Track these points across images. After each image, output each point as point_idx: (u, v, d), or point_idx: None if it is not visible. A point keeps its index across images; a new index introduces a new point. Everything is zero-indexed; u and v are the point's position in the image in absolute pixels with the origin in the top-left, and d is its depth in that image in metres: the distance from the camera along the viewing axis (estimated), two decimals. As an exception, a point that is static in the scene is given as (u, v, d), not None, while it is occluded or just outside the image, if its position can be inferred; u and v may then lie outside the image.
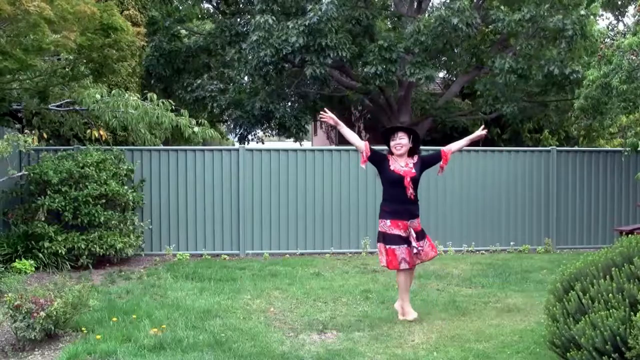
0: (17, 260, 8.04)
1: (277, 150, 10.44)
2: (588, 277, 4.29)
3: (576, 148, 12.05)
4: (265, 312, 6.21)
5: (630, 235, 4.61)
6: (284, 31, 12.71)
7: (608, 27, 16.68)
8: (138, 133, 10.19)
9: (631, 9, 15.68)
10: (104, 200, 8.78)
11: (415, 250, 5.77)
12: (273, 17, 12.90)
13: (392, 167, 5.83)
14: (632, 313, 3.80)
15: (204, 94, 15.11)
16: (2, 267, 7.27)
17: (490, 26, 13.46)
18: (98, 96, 9.08)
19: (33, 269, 8.02)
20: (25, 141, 7.73)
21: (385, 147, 6.06)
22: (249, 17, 14.71)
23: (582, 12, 11.63)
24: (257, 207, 10.10)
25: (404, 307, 5.97)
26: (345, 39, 13.03)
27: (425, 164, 6.01)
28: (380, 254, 5.88)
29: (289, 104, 16.43)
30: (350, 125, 19.95)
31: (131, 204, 9.17)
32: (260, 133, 20.75)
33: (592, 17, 12.06)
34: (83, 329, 5.38)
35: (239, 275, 8.14)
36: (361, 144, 5.97)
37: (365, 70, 13.05)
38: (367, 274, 8.41)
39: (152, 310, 6.09)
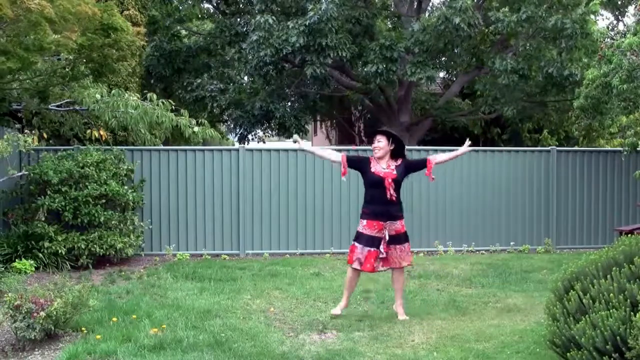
0: (17, 260, 8.04)
1: (277, 150, 10.44)
2: (588, 276, 4.29)
3: (576, 148, 12.06)
4: (265, 312, 6.21)
5: (630, 235, 4.61)
6: (284, 31, 12.70)
7: (608, 27, 16.69)
8: (138, 133, 10.19)
9: (631, 9, 15.69)
10: (104, 200, 8.78)
11: (381, 255, 5.81)
12: (273, 17, 12.89)
13: (373, 170, 5.90)
14: (632, 313, 3.80)
15: (204, 93, 15.10)
16: (2, 267, 7.26)
17: (490, 27, 13.45)
18: (98, 96, 9.08)
19: (33, 269, 8.02)
20: (25, 141, 7.73)
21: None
22: (249, 17, 14.70)
23: (580, 12, 11.61)
24: (257, 207, 10.10)
25: (341, 302, 6.08)
26: (346, 38, 13.02)
27: (409, 168, 6.04)
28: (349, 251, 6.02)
29: (289, 104, 16.42)
30: (350, 125, 19.98)
31: (131, 204, 9.17)
32: (260, 133, 20.74)
33: (591, 16, 12.04)
34: (83, 329, 5.38)
35: (239, 275, 8.14)
36: (338, 157, 6.08)
37: (365, 69, 13.04)
38: (367, 274, 8.40)
39: (152, 310, 6.09)
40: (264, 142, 21.20)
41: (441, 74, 18.15)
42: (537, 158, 10.78)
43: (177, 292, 7.08)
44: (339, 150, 10.39)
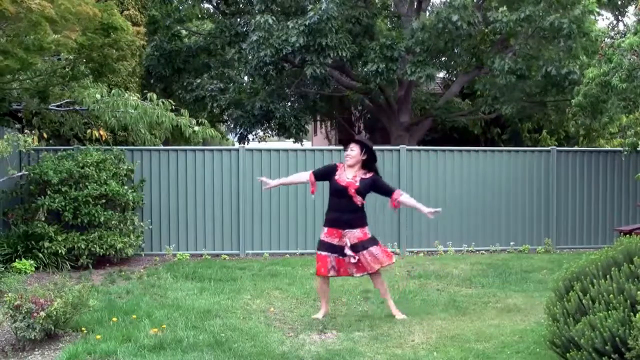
0: (17, 260, 8.04)
1: (277, 150, 10.44)
2: (588, 276, 4.29)
3: (576, 148, 12.05)
4: (265, 312, 6.21)
5: (630, 236, 4.61)
6: (284, 31, 12.70)
7: (608, 27, 16.70)
8: (138, 133, 10.19)
9: (631, 9, 15.69)
10: (104, 200, 8.78)
11: (352, 260, 5.81)
12: (273, 17, 12.89)
13: (336, 177, 5.89)
14: (631, 314, 3.80)
15: (204, 93, 15.10)
16: (2, 267, 7.26)
17: (489, 26, 13.45)
18: (98, 96, 9.08)
19: (33, 269, 8.02)
20: (25, 141, 7.73)
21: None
22: (249, 17, 14.70)
23: (578, 11, 11.61)
24: (257, 207, 10.10)
25: (322, 309, 6.05)
26: (345, 38, 13.03)
27: (374, 187, 5.95)
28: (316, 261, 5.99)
29: (289, 104, 16.42)
30: (350, 125, 19.98)
31: (131, 204, 9.17)
32: (260, 133, 20.74)
33: (590, 15, 12.04)
34: (83, 329, 5.38)
35: (239, 275, 8.14)
36: (306, 176, 6.06)
37: (366, 68, 13.04)
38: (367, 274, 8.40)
39: (152, 310, 6.09)
40: (265, 141, 21.21)
41: (441, 74, 18.15)
42: (537, 158, 10.78)
43: (177, 292, 7.08)
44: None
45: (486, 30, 14.46)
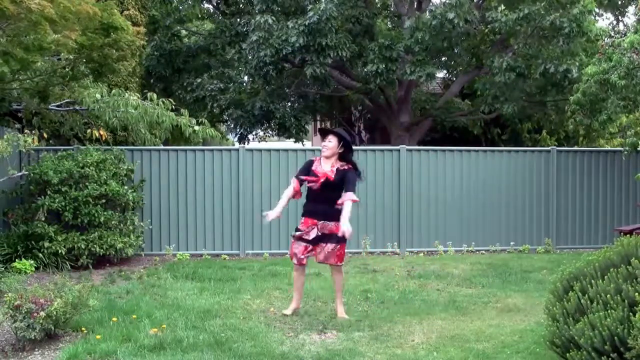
0: (17, 260, 8.04)
1: (277, 150, 10.44)
2: (587, 277, 4.29)
3: (576, 148, 12.05)
4: (265, 312, 6.21)
5: (629, 236, 4.61)
6: (284, 31, 12.70)
7: (608, 27, 16.70)
8: (138, 133, 10.18)
9: (631, 9, 15.70)
10: (104, 200, 8.78)
11: (307, 253, 5.90)
12: (273, 17, 12.89)
13: (314, 168, 5.97)
14: (630, 313, 3.80)
15: (204, 93, 15.11)
16: (2, 267, 7.26)
17: (489, 26, 13.46)
18: (98, 96, 9.08)
19: (33, 269, 8.02)
20: (25, 141, 7.72)
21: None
22: (249, 17, 14.70)
23: (576, 11, 11.61)
24: (257, 207, 10.09)
25: (292, 304, 6.12)
26: (345, 38, 13.03)
27: (343, 178, 5.88)
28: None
29: (289, 104, 16.42)
30: (350, 125, 19.97)
31: (131, 204, 9.16)
32: (260, 133, 20.74)
33: (589, 14, 12.04)
34: (83, 329, 5.38)
35: (239, 275, 8.14)
36: (292, 186, 6.02)
37: (365, 69, 13.05)
38: (367, 274, 8.41)
39: (152, 310, 6.09)
40: (265, 141, 21.21)
41: (441, 74, 18.16)
42: (537, 158, 10.78)
43: (177, 292, 7.08)
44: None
45: (486, 30, 14.47)
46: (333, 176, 5.87)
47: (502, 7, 12.27)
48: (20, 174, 8.68)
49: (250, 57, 13.36)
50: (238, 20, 15.52)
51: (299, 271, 6.05)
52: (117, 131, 10.36)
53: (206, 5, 18.08)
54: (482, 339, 5.28)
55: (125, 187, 9.09)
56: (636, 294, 3.85)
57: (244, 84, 16.21)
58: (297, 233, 5.97)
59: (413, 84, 14.89)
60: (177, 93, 15.65)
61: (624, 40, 8.81)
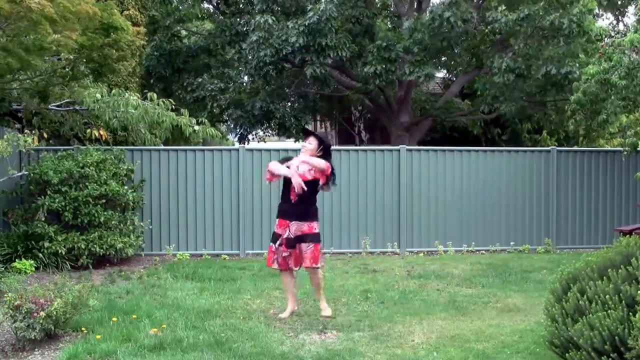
0: (17, 260, 8.04)
1: (277, 150, 10.45)
2: (586, 278, 4.29)
3: (576, 148, 12.04)
4: (265, 312, 6.21)
5: (629, 236, 4.61)
6: (284, 31, 12.70)
7: (608, 27, 16.69)
8: (138, 133, 10.19)
9: (631, 9, 15.70)
10: (104, 200, 8.78)
11: (284, 253, 5.84)
12: (273, 17, 12.89)
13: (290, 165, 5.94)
14: (630, 314, 3.80)
15: (204, 93, 15.10)
16: (2, 267, 7.26)
17: (489, 26, 13.46)
18: (98, 96, 9.08)
19: (33, 269, 8.02)
20: (25, 141, 7.72)
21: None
22: (249, 17, 14.71)
23: (576, 11, 11.61)
24: (257, 207, 10.10)
25: (288, 306, 6.07)
26: (345, 38, 13.03)
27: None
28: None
29: (289, 104, 16.41)
30: (351, 125, 19.97)
31: (131, 204, 9.17)
32: (260, 133, 20.73)
33: (589, 14, 12.04)
34: (83, 329, 5.39)
35: (239, 275, 8.15)
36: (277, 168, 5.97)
37: (365, 70, 13.05)
38: (367, 274, 8.42)
39: (152, 310, 6.09)
40: (264, 142, 21.20)
41: (441, 74, 18.16)
42: (537, 158, 10.78)
43: (177, 292, 7.08)
44: (339, 151, 10.47)
45: (486, 30, 14.46)
46: (310, 177, 5.87)
47: (502, 7, 12.26)
48: (20, 174, 8.68)
49: (250, 57, 13.36)
50: (238, 20, 15.53)
51: (285, 274, 6.01)
52: (117, 131, 10.36)
53: (206, 5, 18.08)
54: (482, 339, 5.28)
55: (125, 187, 9.09)
56: (638, 292, 3.85)
57: (244, 84, 16.20)
58: (277, 244, 5.89)
59: (413, 84, 14.89)
60: (177, 93, 15.64)
61: (623, 39, 8.81)
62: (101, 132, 9.95)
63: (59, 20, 7.76)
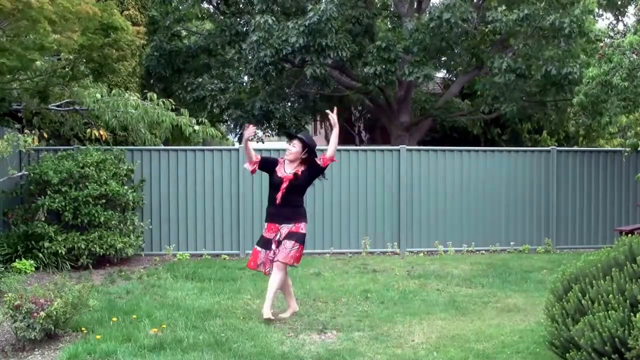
0: (17, 260, 8.04)
1: (277, 150, 10.43)
2: (587, 277, 4.28)
3: (576, 148, 12.04)
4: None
5: (630, 235, 4.61)
6: (284, 31, 12.71)
7: (608, 27, 16.70)
8: (138, 133, 10.19)
9: (631, 9, 15.69)
10: (104, 200, 8.78)
11: (270, 257, 5.87)
12: (273, 17, 12.90)
13: (277, 172, 5.97)
14: (631, 314, 3.80)
15: (204, 93, 15.11)
16: (2, 267, 7.26)
17: (489, 26, 13.46)
18: (98, 96, 9.08)
19: (33, 269, 8.02)
20: (25, 141, 7.72)
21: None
22: (249, 17, 14.71)
23: (577, 11, 11.61)
24: (257, 207, 10.08)
25: (288, 307, 6.12)
26: (345, 38, 13.03)
27: (311, 172, 5.96)
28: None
29: (289, 104, 16.41)
30: (351, 125, 19.97)
31: (131, 204, 9.16)
32: (260, 133, 20.72)
33: (589, 14, 12.04)
34: (83, 329, 5.38)
35: (239, 275, 8.14)
36: (256, 157, 6.04)
37: (365, 70, 13.05)
38: (367, 274, 8.42)
39: (152, 310, 6.09)
40: (263, 142, 21.19)
41: (441, 74, 18.15)
42: (537, 158, 10.78)
43: (177, 292, 7.08)
44: (339, 151, 10.45)
45: (486, 30, 14.46)
46: (293, 177, 5.87)
47: (502, 7, 12.26)
48: (20, 174, 8.68)
49: (250, 57, 13.36)
50: (238, 20, 15.53)
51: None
52: (117, 131, 10.36)
53: (206, 5, 18.08)
54: (482, 339, 5.28)
55: (125, 187, 9.09)
56: None
57: (244, 84, 16.21)
58: (265, 235, 5.92)
59: (413, 84, 14.89)
60: (177, 93, 15.64)
61: (623, 40, 8.81)
62: (101, 132, 9.95)
63: (58, 20, 7.75)
